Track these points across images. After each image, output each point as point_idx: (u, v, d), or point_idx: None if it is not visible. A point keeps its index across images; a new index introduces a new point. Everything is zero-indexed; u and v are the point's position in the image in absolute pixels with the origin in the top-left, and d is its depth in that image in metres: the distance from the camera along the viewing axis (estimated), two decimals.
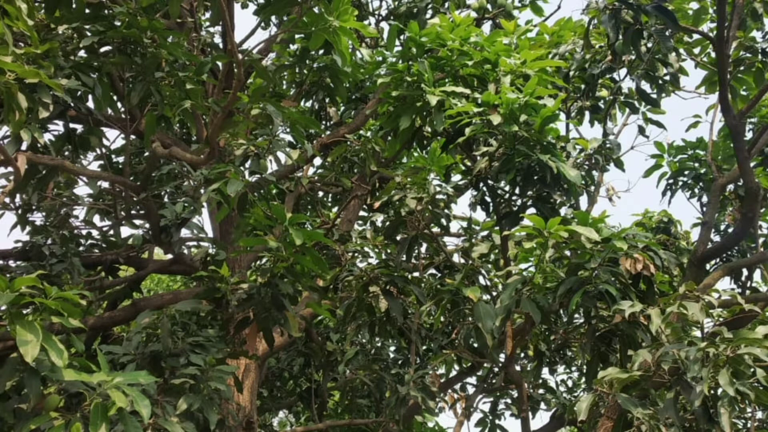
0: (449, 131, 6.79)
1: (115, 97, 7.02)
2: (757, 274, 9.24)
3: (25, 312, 4.61)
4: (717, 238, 9.37)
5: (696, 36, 8.78)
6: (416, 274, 7.51)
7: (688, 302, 5.29)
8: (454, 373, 9.02)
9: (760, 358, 4.67)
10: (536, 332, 7.66)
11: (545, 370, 9.15)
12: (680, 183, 9.50)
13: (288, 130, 7.92)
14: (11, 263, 7.36)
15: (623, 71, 8.77)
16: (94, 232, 8.02)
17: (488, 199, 6.69)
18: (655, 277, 5.88)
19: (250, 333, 6.90)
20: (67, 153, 7.11)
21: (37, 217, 7.69)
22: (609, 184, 9.76)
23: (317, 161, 9.29)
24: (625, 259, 5.69)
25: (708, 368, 4.73)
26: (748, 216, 7.23)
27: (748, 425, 7.35)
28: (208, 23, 8.69)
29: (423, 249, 8.02)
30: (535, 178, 6.20)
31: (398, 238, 7.26)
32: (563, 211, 6.84)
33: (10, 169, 6.14)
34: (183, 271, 7.89)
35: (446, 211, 6.97)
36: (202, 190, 7.00)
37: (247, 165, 6.53)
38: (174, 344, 5.71)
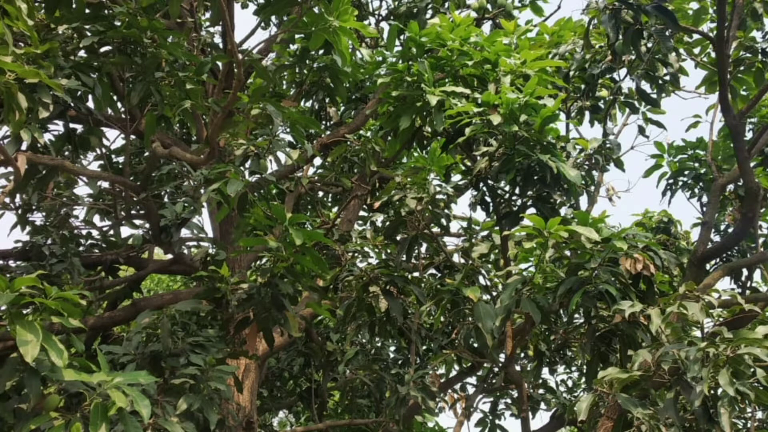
0: (449, 131, 6.79)
1: (115, 97, 7.02)
2: (757, 274, 9.25)
3: (25, 312, 4.61)
4: (717, 238, 9.38)
5: (696, 36, 8.78)
6: (416, 274, 7.51)
7: (688, 302, 5.29)
8: (454, 373, 9.02)
9: (760, 358, 4.67)
10: (536, 332, 7.65)
11: (545, 370, 9.15)
12: (680, 183, 9.50)
13: (288, 130, 7.92)
14: (11, 263, 7.36)
15: (623, 71, 8.77)
16: (94, 232, 8.04)
17: (488, 199, 6.69)
18: (655, 277, 5.88)
19: (250, 333, 6.90)
20: (67, 153, 7.11)
21: (37, 217, 7.70)
22: (609, 184, 9.77)
23: (317, 161, 9.30)
24: (625, 259, 5.69)
25: (708, 368, 4.72)
26: (748, 216, 7.23)
27: (748, 425, 7.35)
28: (208, 23, 8.69)
29: (423, 249, 8.02)
30: (535, 178, 6.20)
31: (398, 238, 7.26)
32: (563, 211, 6.84)
33: (10, 169, 6.14)
34: (183, 271, 7.89)
35: (446, 211, 6.97)
36: (202, 190, 7.01)
37: (247, 165, 6.53)
38: (174, 344, 5.71)
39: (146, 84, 6.56)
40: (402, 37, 8.08)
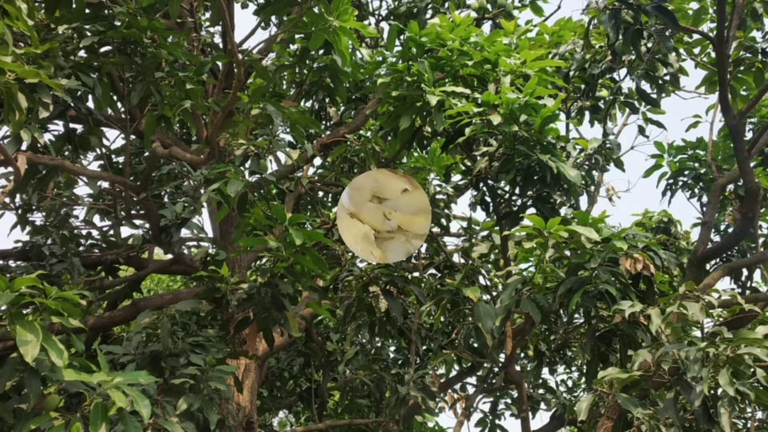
0: (449, 131, 6.80)
1: (115, 97, 7.01)
2: (757, 274, 9.25)
3: (25, 312, 4.60)
4: (717, 238, 9.38)
5: (696, 36, 8.78)
6: (416, 274, 7.51)
7: (688, 302, 5.29)
8: (454, 373, 9.02)
9: (760, 358, 4.67)
10: (536, 332, 7.66)
11: (545, 370, 9.16)
12: (680, 183, 9.50)
13: (288, 130, 7.92)
14: (11, 263, 7.36)
15: (623, 71, 8.78)
16: (94, 232, 8.02)
17: (488, 199, 6.69)
18: (655, 277, 5.88)
19: (250, 333, 6.90)
20: (67, 153, 7.11)
21: (37, 217, 7.69)
22: (609, 184, 9.78)
23: (317, 161, 9.30)
24: (625, 259, 5.69)
25: (708, 368, 4.73)
26: (748, 216, 7.23)
27: (748, 425, 7.35)
28: (208, 23, 8.68)
29: (423, 249, 8.02)
30: (535, 178, 6.21)
31: None
32: (563, 211, 6.84)
33: (10, 169, 6.13)
34: (183, 271, 7.89)
35: (446, 211, 6.97)
36: (202, 190, 7.00)
37: (247, 165, 6.53)
38: (174, 344, 5.71)
39: (146, 84, 6.56)
40: (402, 37, 8.08)
